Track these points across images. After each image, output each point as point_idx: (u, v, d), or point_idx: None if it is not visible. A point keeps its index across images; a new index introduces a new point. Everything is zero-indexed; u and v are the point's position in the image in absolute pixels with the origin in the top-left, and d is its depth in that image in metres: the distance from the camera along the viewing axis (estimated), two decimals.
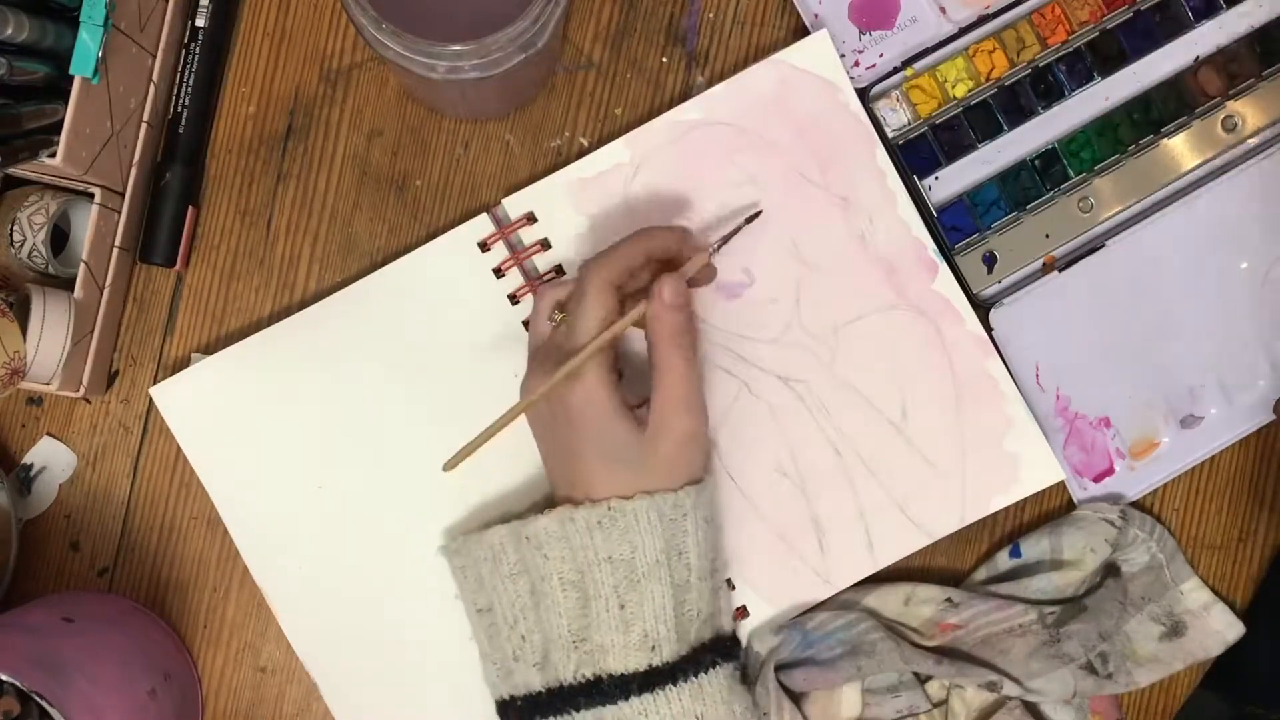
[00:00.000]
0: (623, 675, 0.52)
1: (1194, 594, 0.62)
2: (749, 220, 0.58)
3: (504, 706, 0.56)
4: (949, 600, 0.61)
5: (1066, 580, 0.62)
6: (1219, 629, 0.62)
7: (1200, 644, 0.61)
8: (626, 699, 0.52)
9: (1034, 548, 0.62)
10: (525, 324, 0.61)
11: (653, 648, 0.52)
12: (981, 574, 0.63)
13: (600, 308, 0.53)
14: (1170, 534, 0.62)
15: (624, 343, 0.59)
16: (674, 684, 0.52)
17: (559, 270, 0.61)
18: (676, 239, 0.55)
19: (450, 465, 0.54)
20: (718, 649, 0.55)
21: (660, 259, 0.55)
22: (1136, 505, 0.64)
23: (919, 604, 0.61)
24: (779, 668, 0.58)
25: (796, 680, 0.58)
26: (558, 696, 0.53)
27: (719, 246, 0.56)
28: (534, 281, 0.61)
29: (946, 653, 0.60)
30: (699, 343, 0.60)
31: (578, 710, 0.53)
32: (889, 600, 0.61)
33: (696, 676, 0.53)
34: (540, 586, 0.53)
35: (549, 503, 0.59)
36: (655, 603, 0.52)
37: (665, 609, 0.52)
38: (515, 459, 0.60)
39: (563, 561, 0.52)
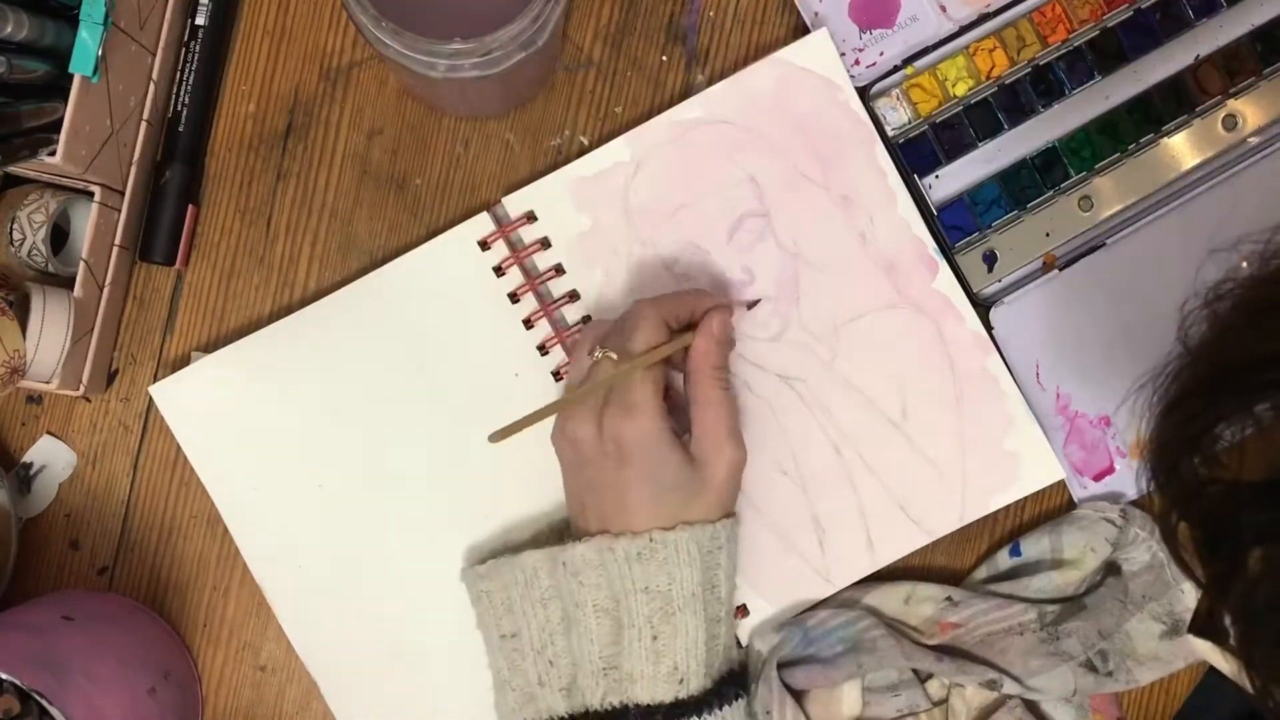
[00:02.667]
0: (649, 706, 0.53)
1: (1194, 593, 0.62)
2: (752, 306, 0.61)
3: None
4: (949, 599, 0.61)
5: (1067, 579, 0.62)
6: None
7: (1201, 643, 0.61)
8: None
9: (1034, 547, 0.62)
10: (525, 322, 0.61)
11: (680, 680, 0.53)
12: (982, 573, 0.63)
13: (653, 337, 0.54)
14: None
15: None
16: (698, 717, 0.53)
17: (559, 269, 0.61)
18: (728, 306, 0.57)
19: (497, 438, 0.54)
20: (736, 681, 0.56)
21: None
22: (1136, 504, 0.64)
23: (919, 603, 0.61)
24: (780, 665, 0.58)
25: (797, 678, 0.58)
26: None
27: (753, 304, 0.61)
28: (534, 280, 0.61)
29: (947, 651, 0.60)
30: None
31: None
32: (889, 599, 0.61)
33: (720, 709, 0.54)
34: (573, 613, 0.54)
35: (555, 531, 0.60)
36: (689, 636, 0.53)
37: (697, 642, 0.53)
38: (516, 471, 0.60)
39: (598, 590, 0.53)
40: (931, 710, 0.60)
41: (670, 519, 0.53)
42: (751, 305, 0.61)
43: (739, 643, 0.60)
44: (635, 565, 0.52)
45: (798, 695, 0.58)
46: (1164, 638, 0.61)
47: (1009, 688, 0.58)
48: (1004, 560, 0.63)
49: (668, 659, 0.53)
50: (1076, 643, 0.59)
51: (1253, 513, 0.37)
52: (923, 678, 0.60)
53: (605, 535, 0.53)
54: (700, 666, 0.53)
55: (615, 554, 0.53)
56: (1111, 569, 0.62)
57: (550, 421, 0.56)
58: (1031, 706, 0.60)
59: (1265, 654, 0.38)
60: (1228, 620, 0.40)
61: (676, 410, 0.56)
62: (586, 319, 0.61)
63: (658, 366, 0.54)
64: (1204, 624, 0.50)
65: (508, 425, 0.54)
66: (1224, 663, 0.49)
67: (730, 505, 0.55)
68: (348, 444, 0.61)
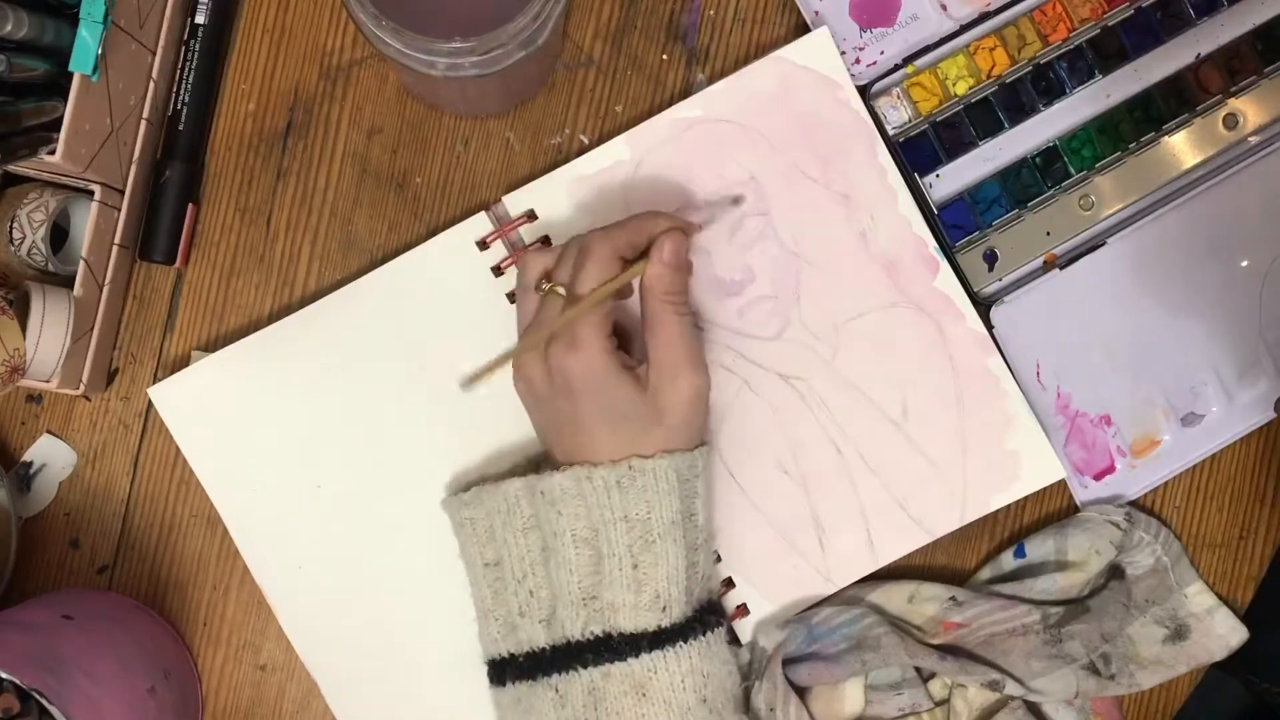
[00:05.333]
0: (633, 634, 0.52)
1: (1198, 598, 0.62)
2: (735, 202, 0.59)
3: (501, 665, 0.56)
4: (953, 599, 0.61)
5: (1071, 581, 0.62)
6: (1222, 633, 0.62)
7: (1203, 648, 0.61)
8: (636, 656, 0.52)
9: (1039, 548, 0.62)
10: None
11: (664, 608, 0.52)
12: (986, 574, 0.63)
13: (605, 272, 0.53)
14: (1176, 537, 0.62)
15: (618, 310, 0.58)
16: (684, 642, 0.53)
17: None
18: (681, 225, 0.55)
19: (468, 385, 0.55)
20: (715, 609, 0.55)
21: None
22: (1137, 504, 0.64)
23: (923, 602, 0.61)
24: (784, 662, 0.58)
25: (801, 675, 0.58)
26: (564, 653, 0.53)
27: (706, 223, 0.59)
28: None
29: (950, 651, 0.60)
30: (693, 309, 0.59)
31: (584, 667, 0.52)
32: (893, 597, 0.61)
33: (703, 635, 0.53)
34: (552, 543, 0.53)
35: (532, 463, 0.59)
36: (669, 563, 0.52)
37: (678, 570, 0.53)
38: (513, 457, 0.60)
39: (576, 519, 0.52)
40: (933, 710, 0.60)
41: (630, 448, 0.52)
42: (703, 225, 0.58)
43: (724, 582, 0.61)
44: (614, 493, 0.52)
45: (801, 692, 0.58)
46: (1167, 642, 0.61)
47: (1011, 689, 0.58)
48: (1008, 561, 0.63)
49: (649, 587, 0.52)
50: (1079, 645, 0.59)
51: None
52: (925, 677, 0.60)
53: (583, 465, 0.52)
54: (681, 594, 0.53)
55: (594, 483, 0.52)
56: (1115, 572, 0.62)
57: None
58: (1033, 708, 0.60)
59: None
60: None
61: (632, 339, 0.56)
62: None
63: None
64: None
65: (475, 371, 0.55)
66: None
67: (700, 434, 0.54)
68: (347, 444, 0.61)
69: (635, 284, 0.54)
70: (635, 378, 0.53)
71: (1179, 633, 0.61)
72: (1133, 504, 0.63)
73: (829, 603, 0.61)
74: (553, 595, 0.54)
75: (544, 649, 0.54)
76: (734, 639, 0.60)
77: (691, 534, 0.54)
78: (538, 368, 0.53)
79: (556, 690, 0.53)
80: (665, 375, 0.53)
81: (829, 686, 0.59)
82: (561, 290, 0.53)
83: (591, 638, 0.53)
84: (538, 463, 0.59)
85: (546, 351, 0.53)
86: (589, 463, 0.52)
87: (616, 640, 0.52)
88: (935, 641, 0.60)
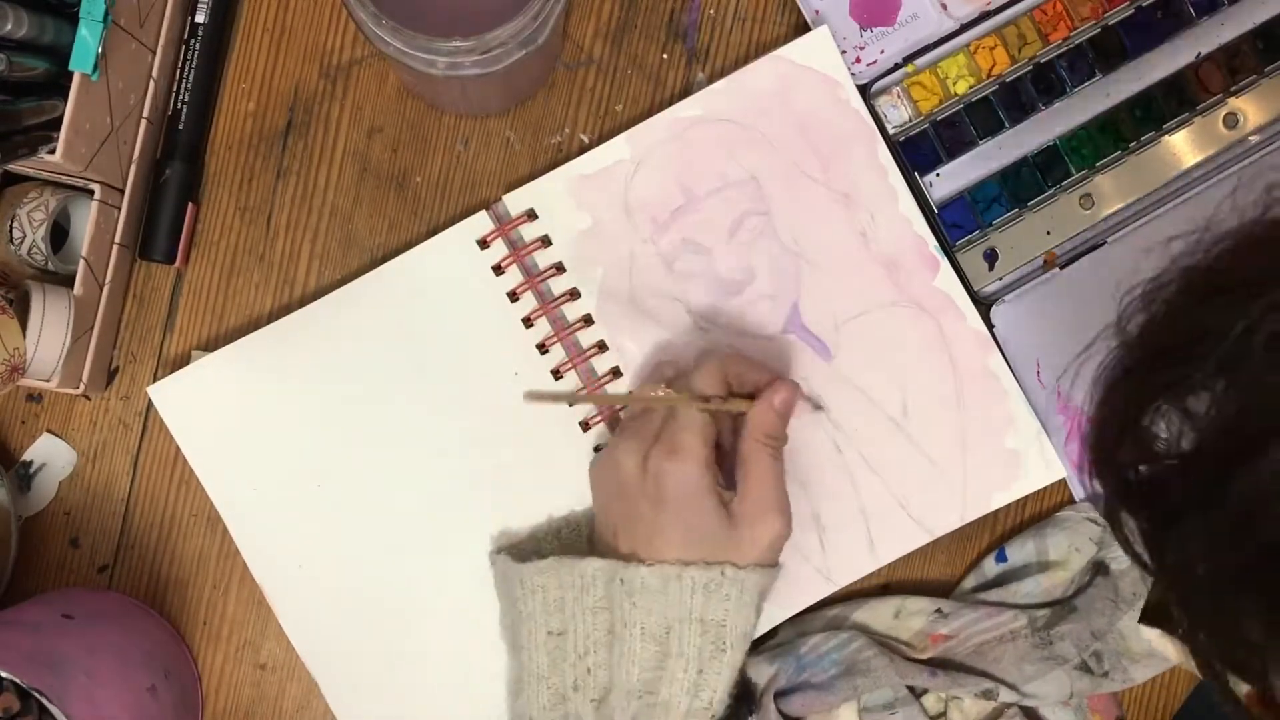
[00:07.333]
0: None
1: None
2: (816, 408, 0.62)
3: None
4: (939, 611, 0.60)
5: (1054, 581, 0.61)
6: None
7: None
8: None
9: (1019, 551, 0.62)
10: (524, 321, 0.61)
11: (713, 716, 0.53)
12: (970, 582, 0.63)
13: (712, 385, 0.54)
14: None
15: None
16: None
17: (559, 268, 0.61)
18: (796, 385, 0.56)
19: (531, 399, 0.57)
20: (749, 696, 0.56)
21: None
22: None
23: (909, 616, 0.61)
24: (776, 695, 0.58)
25: (795, 706, 0.58)
26: None
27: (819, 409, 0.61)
28: (534, 279, 0.61)
29: (940, 664, 0.60)
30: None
31: None
32: (878, 614, 0.61)
33: None
34: (620, 631, 0.54)
35: (567, 539, 0.60)
36: (731, 672, 0.53)
37: (732, 680, 0.53)
38: (515, 470, 0.60)
39: (649, 614, 0.53)
40: None
41: (704, 556, 0.53)
42: (817, 408, 0.61)
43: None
44: (699, 596, 0.52)
45: None
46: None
47: (1005, 696, 0.58)
48: (991, 567, 0.63)
49: (706, 693, 0.53)
50: (1070, 645, 0.59)
51: (1182, 483, 0.38)
52: (918, 693, 0.60)
53: (674, 564, 0.53)
54: (727, 697, 0.53)
55: (682, 582, 0.52)
56: (1100, 569, 0.62)
57: (582, 451, 0.57)
58: (1030, 713, 0.60)
59: (1206, 628, 0.38)
60: (1174, 608, 0.41)
61: (724, 466, 0.56)
62: (587, 319, 0.61)
63: (711, 417, 0.54)
64: (1153, 612, 0.50)
65: (544, 392, 0.56)
66: (1171, 650, 0.49)
67: (774, 553, 0.55)
68: (347, 443, 0.61)
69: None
70: (725, 507, 0.54)
71: None
72: None
73: (814, 626, 0.61)
74: (610, 679, 0.54)
75: None
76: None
77: (745, 651, 0.54)
78: (633, 461, 0.54)
79: None
80: (752, 512, 0.54)
81: (823, 715, 0.59)
82: (664, 390, 0.55)
83: None
84: (581, 529, 0.60)
85: (648, 450, 0.54)
86: (679, 561, 0.53)
87: None
88: (924, 656, 0.60)
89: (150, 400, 0.61)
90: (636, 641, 0.53)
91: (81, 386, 0.60)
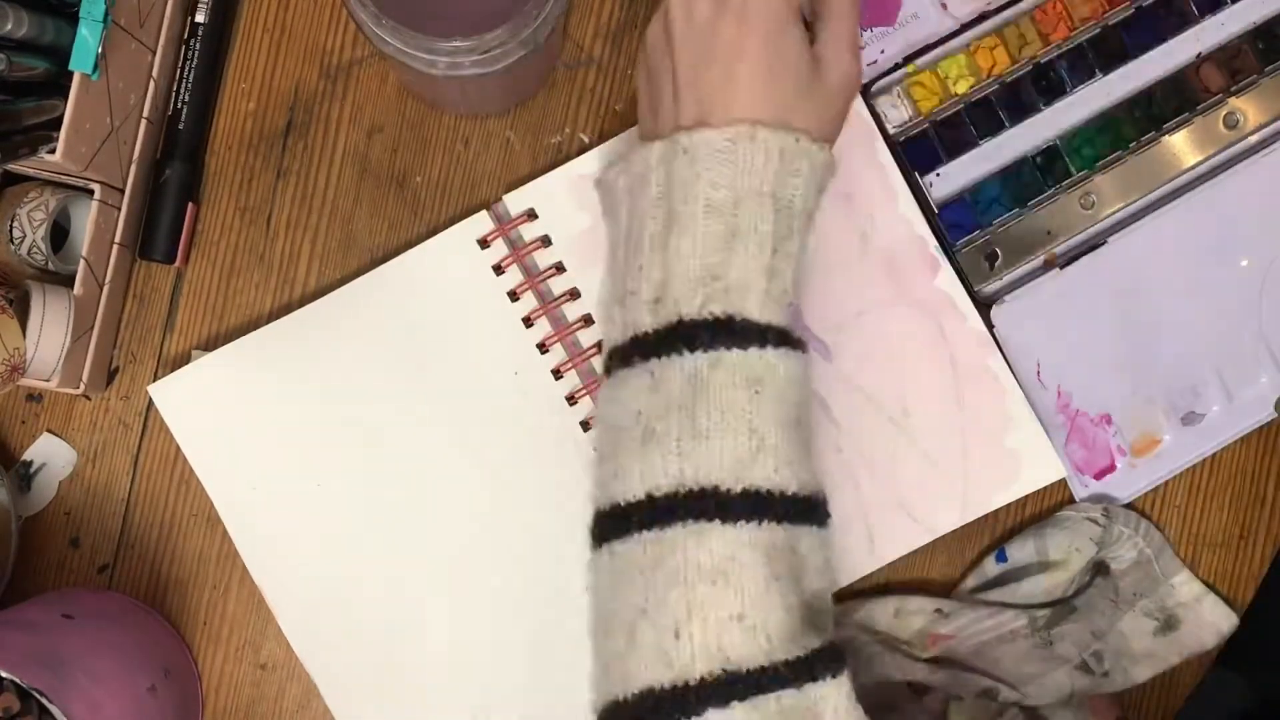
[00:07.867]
0: (759, 324, 0.46)
1: (1185, 587, 0.62)
2: None
3: (616, 350, 0.50)
4: (938, 611, 0.60)
5: (1055, 581, 0.61)
6: (1212, 620, 0.62)
7: (1195, 637, 0.62)
8: (762, 347, 0.46)
9: (1020, 551, 0.62)
10: (525, 321, 0.61)
11: (790, 304, 0.47)
12: (970, 582, 0.63)
13: None
14: (1157, 528, 0.62)
15: None
16: (804, 352, 0.48)
17: (559, 267, 0.61)
18: None
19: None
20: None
21: None
22: (1137, 503, 0.64)
23: (908, 615, 0.61)
24: None
25: None
26: (669, 336, 0.47)
27: None
28: (534, 278, 0.61)
29: (941, 664, 0.60)
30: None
31: (690, 350, 0.46)
32: (878, 613, 0.61)
33: (805, 353, 0.49)
34: (680, 210, 0.47)
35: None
36: (797, 261, 0.47)
37: (800, 266, 0.47)
38: (516, 470, 0.60)
39: (715, 187, 0.46)
40: None
41: (779, 109, 0.47)
42: None
43: None
44: (774, 163, 0.46)
45: None
46: (1158, 634, 0.61)
47: (1006, 695, 0.58)
48: (991, 567, 0.63)
49: (781, 280, 0.46)
50: (1070, 645, 0.59)
51: None
52: (919, 691, 0.60)
53: (747, 124, 0.46)
54: (796, 294, 0.47)
55: (755, 143, 0.46)
56: (1100, 569, 0.62)
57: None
58: (1031, 713, 0.60)
59: None
60: None
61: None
62: (587, 319, 0.61)
63: None
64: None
65: None
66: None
67: (834, 134, 0.49)
68: (347, 443, 0.61)
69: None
70: (808, 36, 0.49)
71: (1169, 623, 0.61)
72: (1132, 504, 0.63)
73: None
74: (665, 274, 0.47)
75: (647, 333, 0.47)
76: None
77: (808, 233, 0.48)
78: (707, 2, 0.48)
79: (652, 375, 0.47)
80: (833, 51, 0.49)
81: None
82: None
83: (709, 318, 0.46)
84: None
85: None
86: (752, 120, 0.46)
87: (740, 325, 0.46)
88: (925, 655, 0.60)
89: (150, 400, 0.61)
90: (699, 219, 0.46)
91: (81, 386, 0.60)
